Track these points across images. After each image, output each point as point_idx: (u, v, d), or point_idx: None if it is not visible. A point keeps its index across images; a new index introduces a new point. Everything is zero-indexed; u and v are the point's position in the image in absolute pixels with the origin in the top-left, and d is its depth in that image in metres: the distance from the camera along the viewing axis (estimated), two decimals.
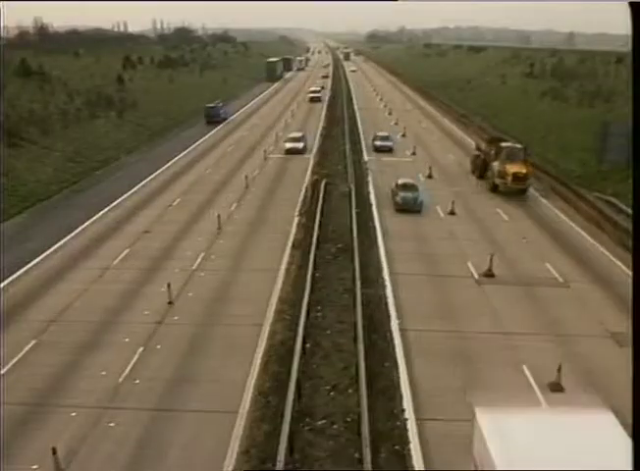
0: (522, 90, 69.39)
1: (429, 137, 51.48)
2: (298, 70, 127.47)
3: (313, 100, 72.20)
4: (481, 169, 35.85)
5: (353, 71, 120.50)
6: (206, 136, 51.59)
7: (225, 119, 59.16)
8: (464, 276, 21.84)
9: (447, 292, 20.40)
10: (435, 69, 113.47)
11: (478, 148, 38.34)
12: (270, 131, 53.11)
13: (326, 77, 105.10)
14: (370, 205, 30.63)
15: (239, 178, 36.30)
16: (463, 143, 49.64)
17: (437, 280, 21.48)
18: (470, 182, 36.26)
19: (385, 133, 46.20)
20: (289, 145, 43.02)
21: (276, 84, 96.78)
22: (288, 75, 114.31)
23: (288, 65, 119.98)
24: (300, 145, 43.05)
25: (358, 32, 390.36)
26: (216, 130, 55.25)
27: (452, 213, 29.34)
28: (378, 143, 44.57)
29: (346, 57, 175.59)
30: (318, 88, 78.42)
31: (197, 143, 48.49)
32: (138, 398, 14.46)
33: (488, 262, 21.85)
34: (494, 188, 32.94)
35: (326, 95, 77.31)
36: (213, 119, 56.90)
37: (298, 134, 44.87)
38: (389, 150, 43.44)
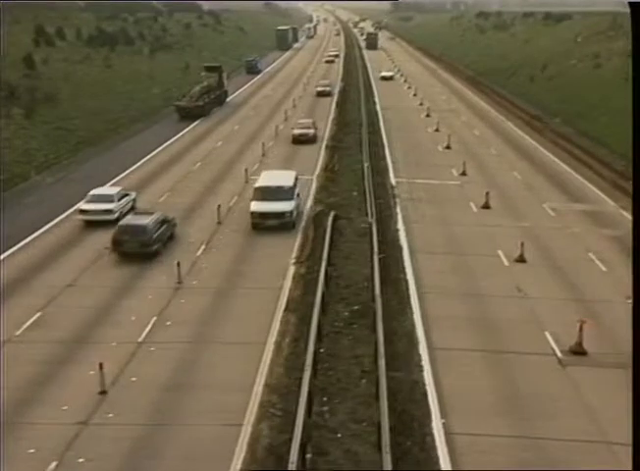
0: (625, 76, 70.20)
1: (485, 150, 52.40)
2: (308, 38, 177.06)
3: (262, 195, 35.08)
4: None
5: (387, 78, 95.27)
6: (162, 147, 52.53)
7: (260, 70, 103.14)
8: (540, 352, 21.98)
9: (514, 378, 20.48)
10: (493, 49, 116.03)
11: None
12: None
13: (325, 93, 78.37)
14: (400, 248, 31.06)
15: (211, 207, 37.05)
16: (536, 158, 50.43)
17: (499, 359, 21.61)
18: (541, 213, 36.74)
19: None
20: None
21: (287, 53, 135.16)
22: (296, 44, 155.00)
23: (295, 35, 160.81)
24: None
25: None
26: (170, 143, 56.32)
27: (520, 260, 29.66)
28: None
29: (371, 43, 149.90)
30: (305, 131, 54.27)
31: (147, 159, 49.32)
32: None
33: (577, 331, 21.91)
34: None
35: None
36: (252, 70, 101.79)
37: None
38: None
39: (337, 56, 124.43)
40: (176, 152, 51.66)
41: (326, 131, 57.47)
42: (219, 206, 35.55)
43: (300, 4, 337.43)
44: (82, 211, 34.65)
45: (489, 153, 51.47)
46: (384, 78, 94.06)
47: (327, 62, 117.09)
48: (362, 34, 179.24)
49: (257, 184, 34.67)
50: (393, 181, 42.99)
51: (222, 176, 44.33)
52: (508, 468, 16.40)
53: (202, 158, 49.19)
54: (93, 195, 35.15)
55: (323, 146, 51.69)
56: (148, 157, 49.48)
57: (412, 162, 48.01)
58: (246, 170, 43.35)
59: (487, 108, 74.13)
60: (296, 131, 54.09)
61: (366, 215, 34.90)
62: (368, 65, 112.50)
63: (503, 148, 53.49)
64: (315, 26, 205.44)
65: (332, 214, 33.99)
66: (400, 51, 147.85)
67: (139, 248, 29.63)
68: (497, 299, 26.00)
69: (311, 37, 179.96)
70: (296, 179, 35.83)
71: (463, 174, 44.28)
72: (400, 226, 34.37)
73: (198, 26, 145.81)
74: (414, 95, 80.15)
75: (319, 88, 79.74)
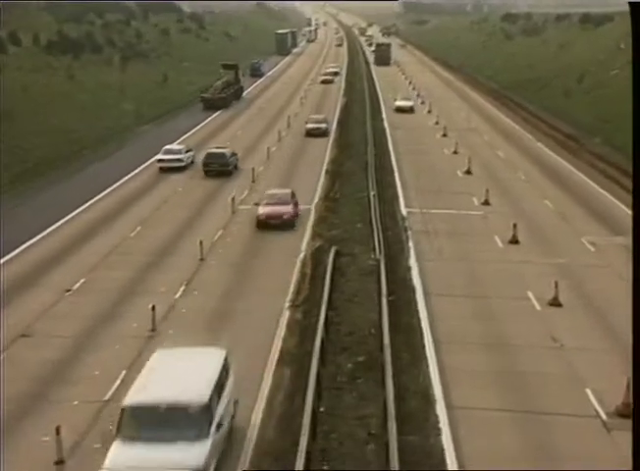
0: None
1: (511, 175, 52.73)
2: (308, 41, 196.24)
3: None
4: None
5: (405, 109, 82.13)
6: (136, 171, 52.74)
7: (264, 73, 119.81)
8: (581, 414, 21.83)
9: (550, 444, 20.34)
10: (521, 57, 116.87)
11: None
12: None
13: (319, 132, 68.15)
14: (412, 290, 31.14)
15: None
16: (571, 183, 50.62)
17: (531, 421, 21.48)
18: (578, 248, 36.85)
19: None
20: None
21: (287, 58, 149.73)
22: (296, 49, 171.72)
23: (294, 39, 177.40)
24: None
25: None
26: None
27: (554, 303, 29.61)
28: None
29: (382, 56, 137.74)
30: None
31: (118, 184, 49.58)
32: None
33: (624, 389, 21.75)
34: None
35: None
36: (256, 72, 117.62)
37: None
38: None
39: (336, 74, 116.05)
40: (152, 179, 52.22)
41: (324, 161, 57.96)
42: (201, 243, 35.79)
43: (297, 4, 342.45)
44: (160, 160, 54.07)
45: (516, 178, 51.73)
46: (400, 110, 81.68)
47: (323, 82, 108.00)
48: (371, 45, 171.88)
49: (128, 400, 18.75)
50: (404, 211, 43.19)
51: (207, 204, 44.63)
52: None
53: (179, 190, 49.52)
54: (167, 149, 54.95)
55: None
56: (120, 183, 49.93)
57: (426, 189, 48.29)
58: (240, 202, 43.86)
59: (513, 126, 74.62)
60: (263, 211, 40.03)
61: (373, 251, 34.97)
62: (377, 86, 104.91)
63: (532, 173, 53.74)
64: (316, 30, 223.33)
65: (333, 250, 34.07)
66: (413, 61, 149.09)
67: (220, 167, 51.52)
68: (528, 350, 25.93)
69: (312, 41, 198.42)
70: (226, 368, 20.53)
71: (486, 203, 44.48)
72: (413, 263, 34.39)
73: (178, 32, 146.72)
74: (429, 112, 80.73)
75: (310, 125, 68.06)
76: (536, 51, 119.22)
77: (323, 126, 68.34)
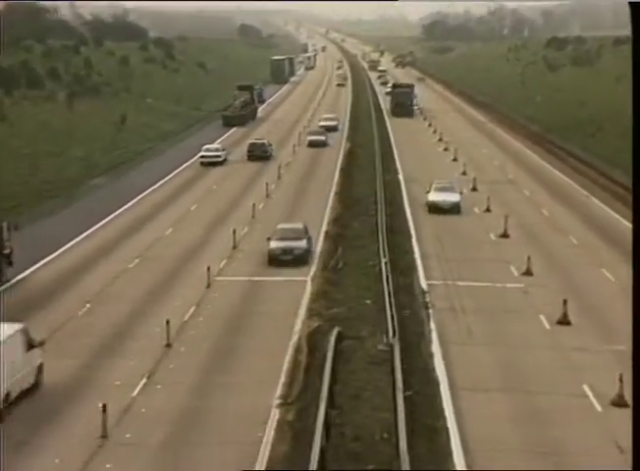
0: None
1: (559, 238, 53.17)
2: (307, 68, 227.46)
3: None
4: None
5: (444, 207, 59.56)
6: (85, 234, 52.85)
7: (265, 100, 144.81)
8: None
9: None
10: (570, 92, 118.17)
11: None
12: None
13: (291, 255, 47.28)
14: (435, 383, 30.93)
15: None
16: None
17: None
18: None
19: None
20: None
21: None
22: (293, 78, 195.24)
23: (292, 67, 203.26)
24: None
25: (407, 20, 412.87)
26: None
27: (619, 403, 29.26)
28: None
29: (401, 104, 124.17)
30: None
31: (62, 251, 49.73)
32: None
33: None
34: None
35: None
36: (260, 98, 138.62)
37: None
38: None
39: (333, 129, 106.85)
40: (107, 242, 52.76)
41: (324, 218, 58.35)
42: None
43: (291, 29, 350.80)
44: (202, 156, 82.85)
45: (565, 243, 52.04)
46: (436, 209, 61.38)
47: (311, 145, 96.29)
48: (385, 83, 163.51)
49: None
50: (424, 283, 43.37)
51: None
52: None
53: (142, 252, 49.79)
54: (207, 148, 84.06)
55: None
56: (62, 250, 50.18)
57: (451, 257, 48.70)
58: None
59: (560, 177, 75.15)
60: None
61: (385, 333, 34.78)
62: (395, 152, 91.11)
63: (585, 235, 54.13)
64: (315, 56, 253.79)
65: (334, 332, 33.86)
66: (433, 98, 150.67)
67: (262, 154, 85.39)
68: (586, 462, 25.41)
69: (311, 68, 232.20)
70: None
71: (528, 273, 44.57)
72: (436, 349, 34.35)
73: (140, 62, 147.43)
74: (454, 160, 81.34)
75: (274, 245, 47.87)
76: (589, 84, 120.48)
77: (299, 245, 48.45)
